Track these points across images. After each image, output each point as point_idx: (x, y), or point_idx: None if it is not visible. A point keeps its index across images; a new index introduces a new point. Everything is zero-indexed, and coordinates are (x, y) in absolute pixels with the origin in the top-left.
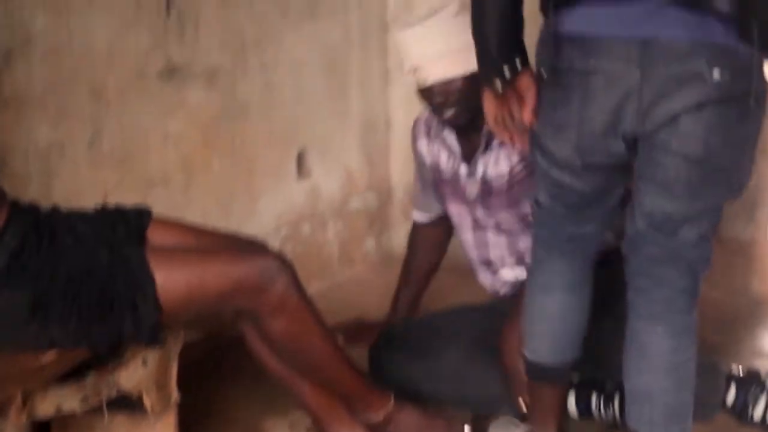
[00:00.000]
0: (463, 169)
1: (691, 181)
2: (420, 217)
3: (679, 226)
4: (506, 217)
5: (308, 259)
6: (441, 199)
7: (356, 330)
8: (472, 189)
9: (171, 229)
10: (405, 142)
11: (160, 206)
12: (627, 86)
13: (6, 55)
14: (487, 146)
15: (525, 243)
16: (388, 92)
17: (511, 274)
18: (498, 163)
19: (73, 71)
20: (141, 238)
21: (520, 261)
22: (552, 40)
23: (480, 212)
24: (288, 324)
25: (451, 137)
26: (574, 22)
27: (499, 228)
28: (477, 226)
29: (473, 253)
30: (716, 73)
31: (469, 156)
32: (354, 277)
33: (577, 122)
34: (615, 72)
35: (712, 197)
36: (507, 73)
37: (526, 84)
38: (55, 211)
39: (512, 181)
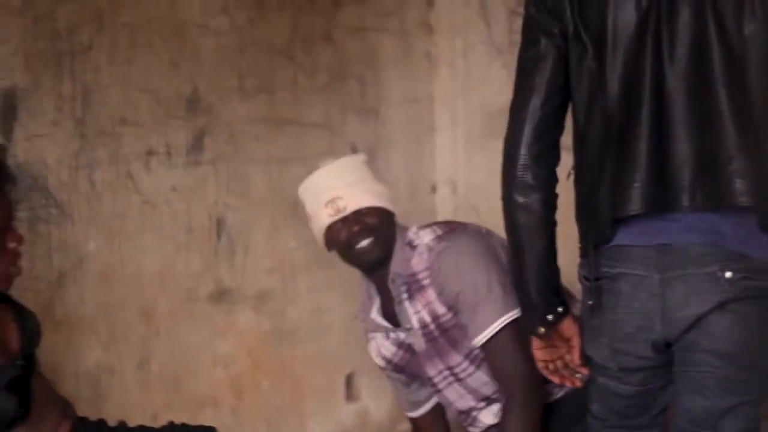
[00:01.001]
0: (401, 333)
1: (725, 376)
2: (414, 413)
3: (719, 421)
4: (456, 359)
5: None
6: (417, 381)
7: None
8: (419, 341)
9: None
10: None
11: None
12: (650, 290)
13: (59, 277)
14: (410, 294)
15: (477, 380)
16: None
17: (489, 415)
18: (420, 313)
19: (124, 293)
20: None
21: (485, 399)
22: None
23: (438, 364)
24: None
25: (378, 317)
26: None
27: (455, 377)
28: (444, 380)
29: (451, 413)
30: (729, 275)
31: (396, 319)
32: None
33: (609, 326)
34: (637, 276)
35: (748, 390)
36: (551, 318)
37: (570, 327)
38: (121, 425)
39: (441, 326)
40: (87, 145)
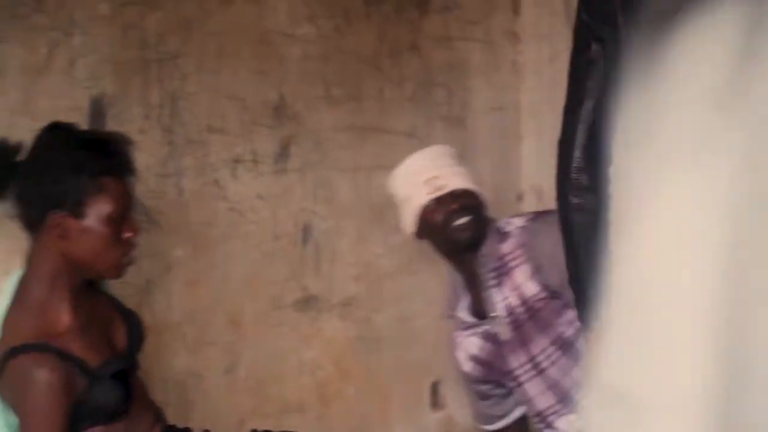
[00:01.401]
0: (487, 325)
1: None
2: (490, 427)
3: None
4: (541, 344)
5: None
6: (494, 389)
7: None
8: (505, 329)
9: None
10: None
11: None
12: None
13: (147, 284)
14: (498, 280)
15: (559, 370)
16: None
17: (566, 423)
18: (507, 300)
19: (210, 300)
20: None
21: (565, 398)
22: None
23: (521, 355)
24: None
25: (464, 313)
26: None
27: (537, 368)
28: (525, 373)
29: (541, 404)
30: None
31: (483, 309)
32: None
33: None
34: None
35: None
36: None
37: None
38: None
39: (530, 308)
40: (175, 153)
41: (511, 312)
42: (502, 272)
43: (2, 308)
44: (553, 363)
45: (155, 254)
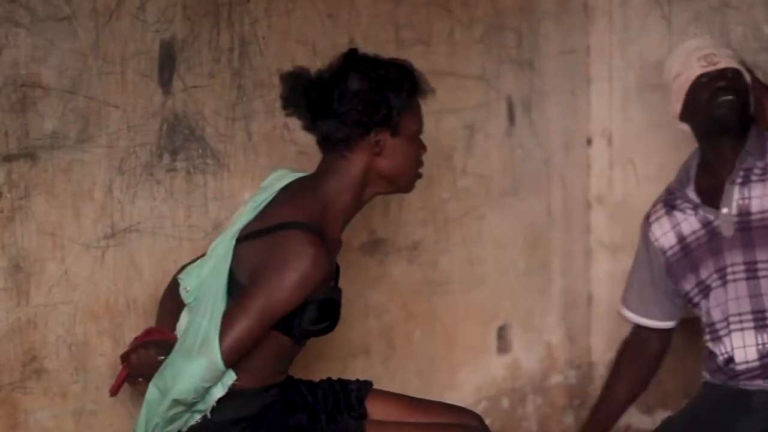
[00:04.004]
0: (710, 214)
1: None
2: (645, 321)
3: None
4: (764, 257)
5: None
6: (682, 282)
7: None
8: (728, 225)
9: (390, 400)
10: (607, 319)
11: (360, 376)
12: None
13: (215, 227)
14: (748, 179)
15: None
16: (591, 270)
17: (739, 339)
18: (763, 199)
19: None
20: (360, 409)
21: (759, 313)
22: None
23: (737, 255)
24: None
25: (692, 192)
26: None
27: (752, 272)
28: (734, 274)
29: (731, 309)
30: None
31: (714, 199)
32: None
33: None
34: None
35: None
36: None
37: None
38: (289, 378)
39: (766, 219)
40: (244, 96)
41: (742, 213)
42: (756, 175)
43: (261, 200)
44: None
45: (223, 197)
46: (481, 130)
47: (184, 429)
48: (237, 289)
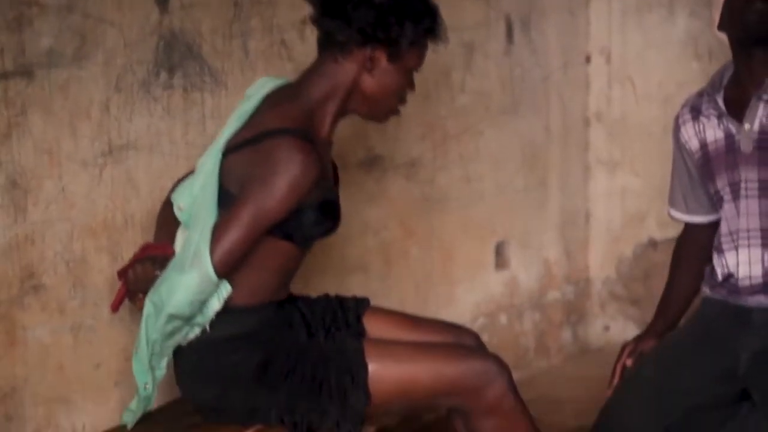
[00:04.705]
0: (734, 126)
1: None
2: (692, 218)
3: None
4: None
5: (504, 350)
6: (708, 184)
7: None
8: (747, 141)
9: (388, 317)
10: (604, 236)
11: (357, 292)
12: None
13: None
14: (765, 97)
15: None
16: (588, 187)
17: (735, 257)
18: None
19: None
20: (358, 326)
21: (765, 239)
22: None
23: (752, 171)
24: (500, 425)
25: (720, 100)
26: None
27: (766, 191)
28: (746, 190)
29: (741, 224)
30: None
31: (739, 112)
32: (550, 368)
33: None
34: None
35: None
36: None
37: None
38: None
39: None
40: (241, 14)
41: (764, 131)
42: None
43: (247, 110)
44: None
45: (221, 115)
46: (480, 49)
47: (184, 343)
48: (228, 200)
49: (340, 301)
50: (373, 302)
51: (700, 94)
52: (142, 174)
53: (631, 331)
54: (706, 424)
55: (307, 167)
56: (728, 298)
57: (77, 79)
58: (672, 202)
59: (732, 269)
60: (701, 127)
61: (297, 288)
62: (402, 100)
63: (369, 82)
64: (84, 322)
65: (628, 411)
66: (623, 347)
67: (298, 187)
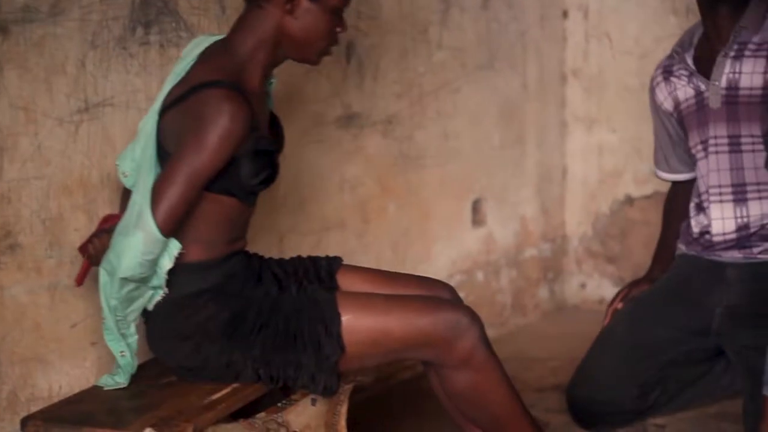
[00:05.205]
0: (703, 84)
1: None
2: (676, 177)
3: None
4: (752, 130)
5: (481, 307)
6: (686, 141)
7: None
8: (715, 98)
9: (361, 273)
10: (581, 193)
11: (334, 250)
12: None
13: None
14: (741, 53)
15: (754, 160)
16: (565, 143)
17: (710, 214)
18: (753, 76)
19: None
20: (331, 282)
21: (739, 187)
22: None
23: (720, 128)
24: (473, 378)
25: (690, 58)
26: None
27: (735, 146)
28: (716, 146)
29: (712, 180)
30: None
31: (708, 70)
32: (526, 325)
33: None
34: None
35: None
36: None
37: None
38: (257, 254)
39: (752, 95)
40: None
41: (731, 87)
42: (749, 51)
43: (182, 68)
44: (752, 150)
45: None
46: (457, 4)
47: (151, 307)
48: (167, 159)
49: (313, 260)
50: (350, 260)
51: (671, 56)
52: (119, 131)
53: (607, 289)
54: (681, 380)
55: (236, 116)
56: (703, 254)
57: (53, 35)
58: (656, 162)
59: (706, 225)
60: (673, 87)
61: (273, 246)
62: (333, 40)
63: (293, 25)
64: (60, 281)
65: (603, 368)
66: (618, 292)
67: (229, 137)
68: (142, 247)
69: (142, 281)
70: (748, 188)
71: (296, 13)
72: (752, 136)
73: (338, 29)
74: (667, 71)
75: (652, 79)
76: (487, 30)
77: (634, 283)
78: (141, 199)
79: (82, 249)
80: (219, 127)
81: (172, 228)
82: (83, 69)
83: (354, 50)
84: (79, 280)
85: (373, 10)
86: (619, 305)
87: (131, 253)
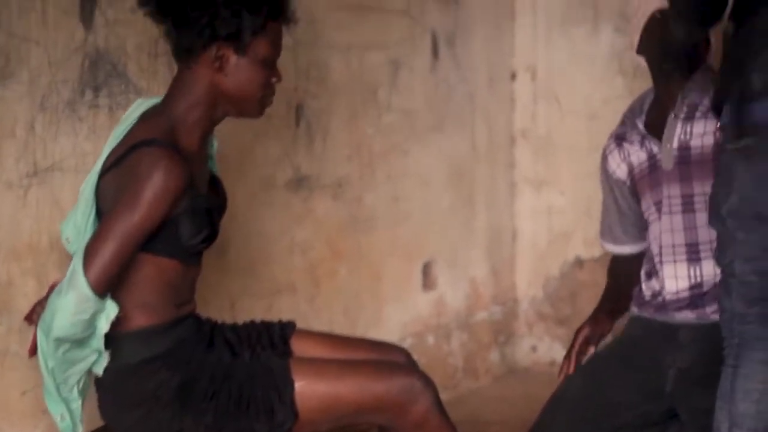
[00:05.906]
0: (655, 147)
1: None
2: (620, 249)
3: None
4: (704, 188)
5: (432, 371)
6: (637, 208)
7: None
8: (668, 159)
9: (315, 339)
10: (531, 255)
11: (286, 314)
12: None
13: None
14: (692, 115)
15: (704, 234)
16: (515, 205)
17: (672, 277)
18: (704, 137)
19: None
20: (285, 347)
21: (692, 247)
22: None
23: (674, 188)
24: None
25: (641, 123)
26: None
27: (688, 206)
28: (670, 206)
29: (665, 240)
30: None
31: (660, 132)
32: (478, 389)
33: None
34: None
35: None
36: None
37: None
38: (209, 319)
39: (705, 155)
40: None
41: (683, 147)
42: (697, 113)
43: (121, 131)
44: (705, 209)
45: None
46: (406, 65)
47: (100, 373)
48: None
49: (266, 325)
50: (302, 323)
51: (623, 123)
52: (68, 195)
53: (558, 351)
54: None
55: (170, 174)
56: (655, 316)
57: (1, 98)
58: (601, 233)
59: (660, 285)
60: (626, 153)
61: (225, 311)
62: (270, 91)
63: (226, 82)
64: (9, 348)
65: (556, 430)
66: (577, 332)
67: (164, 194)
68: (73, 307)
69: (79, 343)
70: (701, 247)
71: (226, 70)
72: (705, 194)
73: (273, 79)
74: (619, 138)
75: (605, 149)
76: (436, 92)
77: (593, 321)
78: (75, 259)
79: (28, 318)
80: (153, 184)
81: (105, 287)
82: (32, 132)
83: (303, 112)
84: (32, 351)
85: (322, 72)
86: (591, 349)
87: (63, 313)
